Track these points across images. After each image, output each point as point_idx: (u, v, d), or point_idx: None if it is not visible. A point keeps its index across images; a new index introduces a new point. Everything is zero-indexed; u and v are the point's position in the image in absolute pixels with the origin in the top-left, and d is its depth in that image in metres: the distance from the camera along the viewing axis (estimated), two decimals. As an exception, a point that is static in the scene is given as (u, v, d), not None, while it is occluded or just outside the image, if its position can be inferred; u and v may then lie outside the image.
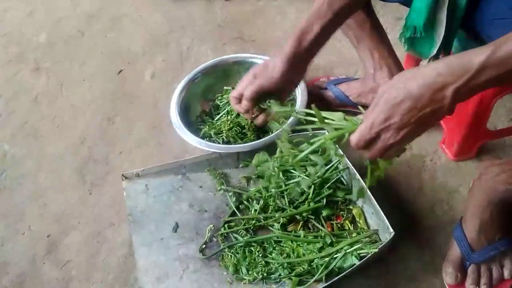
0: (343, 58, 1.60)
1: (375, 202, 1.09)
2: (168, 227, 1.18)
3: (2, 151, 1.45)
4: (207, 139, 1.32)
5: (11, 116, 1.56)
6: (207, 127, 1.36)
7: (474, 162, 1.28)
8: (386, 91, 0.72)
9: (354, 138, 0.75)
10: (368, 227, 1.13)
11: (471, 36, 1.05)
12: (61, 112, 1.56)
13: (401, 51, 1.34)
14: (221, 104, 1.42)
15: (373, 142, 0.74)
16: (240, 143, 1.30)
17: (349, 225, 1.14)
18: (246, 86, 1.03)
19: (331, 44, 1.54)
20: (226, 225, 1.17)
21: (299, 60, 1.01)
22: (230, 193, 1.22)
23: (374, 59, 1.27)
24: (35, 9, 1.98)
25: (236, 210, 1.19)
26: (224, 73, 1.47)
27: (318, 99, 1.42)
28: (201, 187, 1.26)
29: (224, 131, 1.33)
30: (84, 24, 1.89)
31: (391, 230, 1.04)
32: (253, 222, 1.15)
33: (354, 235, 1.10)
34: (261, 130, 1.33)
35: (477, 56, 0.65)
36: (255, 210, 1.18)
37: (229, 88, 1.43)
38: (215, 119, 1.40)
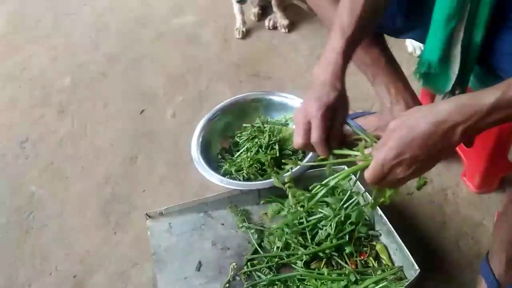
0: (360, 92, 1.62)
1: (399, 238, 1.08)
2: (192, 265, 1.18)
3: (29, 192, 1.49)
4: (228, 176, 1.35)
5: (37, 158, 1.61)
6: (227, 164, 1.39)
7: (497, 194, 1.27)
8: (397, 127, 0.72)
9: (368, 176, 0.76)
10: (393, 263, 1.12)
11: (488, 72, 1.06)
12: (85, 153, 1.60)
13: (417, 85, 1.36)
14: (241, 141, 1.45)
15: (385, 177, 0.75)
16: (261, 180, 1.31)
17: (373, 261, 1.13)
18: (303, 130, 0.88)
19: (347, 79, 1.58)
20: (249, 263, 1.17)
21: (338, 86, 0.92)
22: (252, 230, 1.23)
23: (391, 94, 1.28)
24: (58, 53, 2.06)
25: (258, 248, 1.19)
26: (242, 111, 1.50)
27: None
28: (223, 224, 1.27)
29: (244, 168, 1.35)
30: (105, 66, 1.96)
31: (417, 267, 1.03)
32: (276, 260, 1.15)
33: (379, 272, 1.09)
34: (279, 166, 1.35)
35: (487, 98, 0.66)
36: (278, 248, 1.18)
37: (248, 125, 1.46)
38: (235, 156, 1.42)
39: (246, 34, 2.00)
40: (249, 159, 1.36)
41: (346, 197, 1.17)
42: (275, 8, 1.97)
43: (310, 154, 1.30)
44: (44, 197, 1.48)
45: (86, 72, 1.95)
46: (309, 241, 1.16)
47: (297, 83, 1.74)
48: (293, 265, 1.15)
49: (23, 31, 2.23)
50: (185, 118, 1.67)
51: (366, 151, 0.80)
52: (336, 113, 0.89)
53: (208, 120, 1.46)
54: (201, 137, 1.42)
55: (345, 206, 1.17)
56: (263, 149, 1.38)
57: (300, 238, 1.16)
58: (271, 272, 1.14)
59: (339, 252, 1.14)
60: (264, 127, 1.44)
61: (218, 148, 1.47)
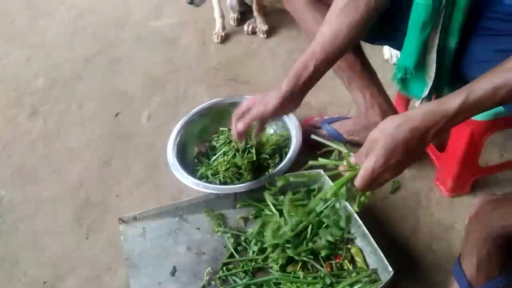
0: (336, 98, 1.64)
1: (373, 241, 1.09)
2: (166, 271, 1.17)
3: (-1, 196, 1.45)
4: (204, 180, 1.34)
5: (8, 161, 1.57)
6: (203, 168, 1.37)
7: (468, 197, 1.30)
8: (379, 137, 0.81)
9: (360, 184, 0.84)
10: (367, 266, 1.12)
11: (459, 78, 1.08)
12: (58, 156, 1.57)
13: (391, 91, 1.39)
14: (217, 145, 1.44)
15: (373, 183, 0.84)
16: (237, 183, 1.31)
17: (348, 264, 1.13)
18: (242, 111, 1.15)
19: (324, 85, 1.60)
20: (224, 268, 1.16)
21: (294, 97, 1.10)
22: (228, 235, 1.22)
23: (366, 99, 1.30)
24: (32, 54, 2.02)
25: (234, 252, 1.19)
26: (220, 115, 1.50)
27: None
28: (198, 229, 1.26)
29: (221, 172, 1.34)
30: (81, 67, 1.93)
31: (390, 269, 1.04)
32: (252, 264, 1.15)
33: (353, 275, 1.09)
34: (257, 170, 1.35)
35: (452, 103, 0.77)
36: (253, 252, 1.18)
37: (225, 129, 1.46)
38: (212, 159, 1.41)
39: (225, 38, 2.00)
40: (225, 163, 1.35)
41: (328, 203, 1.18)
42: (255, 13, 1.98)
43: (287, 158, 1.30)
44: (14, 200, 1.44)
45: (61, 73, 1.91)
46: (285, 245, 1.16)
47: (275, 88, 1.74)
48: (269, 269, 1.14)
49: (-4, 31, 2.18)
50: (161, 121, 1.66)
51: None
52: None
53: (185, 124, 1.45)
54: (178, 141, 1.41)
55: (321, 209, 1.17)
56: (240, 153, 1.37)
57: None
58: (247, 276, 1.13)
59: (314, 255, 1.14)
60: None
61: (195, 152, 1.45)
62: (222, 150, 1.41)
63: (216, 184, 1.32)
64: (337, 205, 1.20)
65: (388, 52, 1.78)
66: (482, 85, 0.76)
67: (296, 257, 1.14)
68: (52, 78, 1.89)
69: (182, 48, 1.99)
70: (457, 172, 1.25)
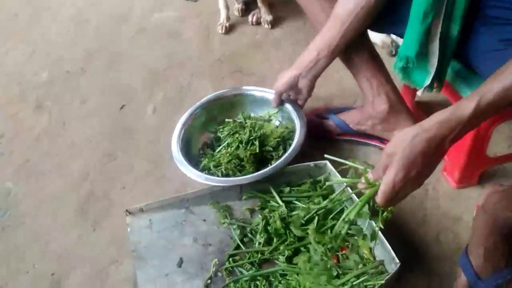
0: (342, 88, 1.62)
1: (380, 233, 1.09)
2: (173, 262, 1.17)
3: (6, 190, 1.45)
4: (206, 171, 1.33)
5: (13, 155, 1.57)
6: (206, 159, 1.37)
7: (476, 188, 1.29)
8: (397, 151, 0.80)
9: (381, 200, 0.83)
10: (374, 258, 1.12)
11: (465, 66, 1.07)
12: (63, 150, 1.57)
13: (397, 81, 1.37)
14: (222, 136, 1.44)
15: (395, 198, 0.83)
16: (239, 175, 1.30)
17: (355, 256, 1.13)
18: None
19: (330, 76, 1.59)
20: (230, 259, 1.16)
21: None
22: (234, 226, 1.22)
23: (373, 87, 1.29)
24: (35, 49, 2.01)
25: (240, 244, 1.18)
26: (225, 106, 1.49)
27: (320, 128, 1.43)
28: (204, 220, 1.26)
29: (223, 164, 1.33)
30: (84, 62, 1.92)
31: (397, 260, 1.03)
32: (258, 255, 1.15)
33: (360, 266, 1.09)
34: (261, 162, 1.34)
35: (465, 110, 0.77)
36: (259, 243, 1.17)
37: (230, 120, 1.45)
38: (216, 151, 1.40)
39: (229, 29, 1.99)
40: (228, 155, 1.34)
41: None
42: (260, 3, 1.96)
43: (290, 149, 1.29)
44: (20, 194, 1.44)
45: (64, 67, 1.91)
46: (292, 236, 1.15)
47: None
48: (275, 261, 1.14)
49: (0, 26, 2.17)
50: (166, 114, 1.65)
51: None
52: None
53: (189, 116, 1.44)
54: (182, 133, 1.40)
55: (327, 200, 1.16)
56: (243, 144, 1.36)
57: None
58: (253, 268, 1.13)
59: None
60: (246, 123, 1.43)
61: (200, 143, 1.45)
62: (227, 142, 1.40)
63: (218, 176, 1.31)
64: (343, 197, 1.19)
65: (379, 39, 1.74)
66: (493, 88, 0.76)
67: (302, 249, 1.13)
68: (55, 72, 1.88)
69: (185, 41, 1.98)
70: (465, 163, 1.24)
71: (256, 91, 1.48)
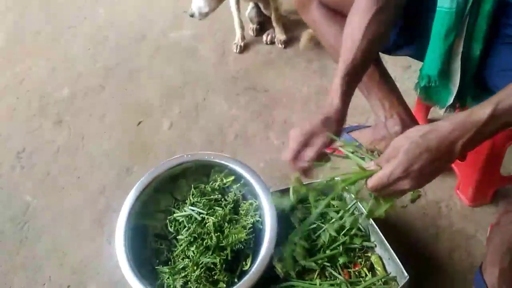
0: (355, 106, 1.62)
1: (389, 246, 1.09)
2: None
3: (25, 203, 1.49)
4: None
5: (34, 169, 1.61)
6: (168, 276, 1.11)
7: (490, 207, 1.28)
8: (404, 144, 0.77)
9: (372, 182, 0.80)
10: (388, 275, 1.12)
11: (482, 88, 1.07)
12: (81, 164, 1.61)
13: (410, 99, 1.38)
14: (173, 228, 1.20)
15: (388, 187, 0.79)
16: None
17: (367, 272, 1.13)
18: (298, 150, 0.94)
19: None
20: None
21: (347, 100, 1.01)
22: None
23: (385, 108, 1.30)
24: (56, 65, 2.08)
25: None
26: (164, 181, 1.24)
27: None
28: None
29: (191, 282, 1.08)
30: (103, 78, 1.98)
31: (406, 274, 1.03)
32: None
33: (367, 278, 1.09)
34: (232, 270, 1.13)
35: (482, 112, 0.74)
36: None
37: (182, 215, 1.20)
38: (175, 253, 1.16)
39: (244, 48, 2.03)
40: (195, 267, 1.09)
41: (351, 204, 1.16)
42: (274, 24, 2.01)
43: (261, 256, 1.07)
44: (39, 207, 1.48)
45: (84, 84, 1.96)
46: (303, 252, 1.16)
47: (294, 96, 1.76)
48: (286, 277, 1.14)
49: (23, 43, 2.25)
50: (182, 130, 1.68)
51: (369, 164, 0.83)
52: (315, 137, 0.94)
53: (133, 203, 1.18)
54: (127, 231, 1.14)
55: (340, 215, 1.17)
56: (208, 249, 1.12)
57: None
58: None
59: (332, 262, 1.14)
60: (207, 220, 1.16)
61: (150, 235, 1.21)
62: (182, 245, 1.15)
63: None
64: (356, 212, 1.20)
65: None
66: (511, 94, 0.74)
67: (313, 265, 1.14)
68: (75, 89, 1.93)
69: (201, 58, 2.03)
70: (478, 181, 1.24)
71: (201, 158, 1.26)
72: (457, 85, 1.05)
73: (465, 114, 0.76)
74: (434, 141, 0.76)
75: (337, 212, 1.14)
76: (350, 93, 1.00)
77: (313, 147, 0.93)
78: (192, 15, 1.74)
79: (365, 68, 1.04)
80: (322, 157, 0.94)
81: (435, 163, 0.77)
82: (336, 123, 0.96)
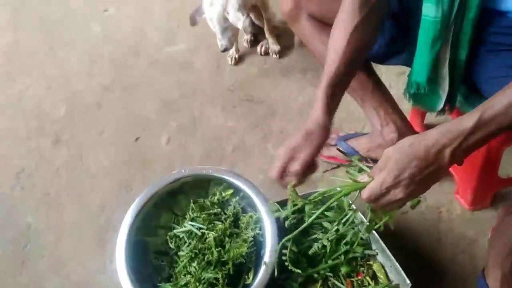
0: (351, 113, 1.65)
1: (390, 254, 1.09)
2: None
3: (25, 223, 1.49)
4: None
5: (33, 189, 1.61)
6: None
7: (490, 210, 1.29)
8: (393, 154, 0.80)
9: (366, 193, 0.82)
10: (390, 283, 1.12)
11: (473, 92, 1.08)
12: (81, 182, 1.61)
13: (406, 106, 1.39)
14: (173, 245, 1.19)
15: (382, 197, 0.81)
16: None
17: (370, 281, 1.13)
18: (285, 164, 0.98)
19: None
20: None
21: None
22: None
23: (380, 117, 1.31)
24: (53, 84, 2.08)
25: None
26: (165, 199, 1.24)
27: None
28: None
29: None
30: (100, 95, 1.98)
31: (408, 281, 1.03)
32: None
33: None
34: (235, 284, 1.13)
35: (468, 121, 0.77)
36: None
37: (183, 230, 1.19)
38: (176, 268, 1.16)
39: (239, 60, 2.04)
40: (197, 284, 1.08)
41: (342, 216, 1.17)
42: (267, 34, 2.02)
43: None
44: (40, 227, 1.48)
45: (81, 101, 1.96)
46: (305, 262, 1.16)
47: (290, 106, 1.77)
48: (288, 287, 1.14)
49: (19, 62, 2.25)
50: (180, 144, 1.69)
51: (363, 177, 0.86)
52: (298, 152, 0.98)
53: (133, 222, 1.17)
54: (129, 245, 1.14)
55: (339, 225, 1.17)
56: (210, 263, 1.12)
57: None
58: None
59: (334, 272, 1.14)
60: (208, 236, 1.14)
61: (151, 254, 1.20)
62: (183, 261, 1.14)
63: None
64: (356, 221, 1.20)
65: None
66: (496, 102, 0.76)
67: (315, 275, 1.14)
68: (72, 106, 1.94)
69: (197, 71, 2.03)
70: (477, 184, 1.24)
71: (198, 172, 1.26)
72: (447, 91, 1.07)
73: (452, 123, 0.78)
74: (422, 149, 0.78)
75: (332, 222, 1.14)
76: (334, 104, 1.04)
77: (297, 161, 0.97)
78: (223, 50, 1.81)
79: (349, 77, 1.07)
80: (309, 169, 0.99)
81: (425, 170, 0.79)
82: (319, 135, 1.00)
